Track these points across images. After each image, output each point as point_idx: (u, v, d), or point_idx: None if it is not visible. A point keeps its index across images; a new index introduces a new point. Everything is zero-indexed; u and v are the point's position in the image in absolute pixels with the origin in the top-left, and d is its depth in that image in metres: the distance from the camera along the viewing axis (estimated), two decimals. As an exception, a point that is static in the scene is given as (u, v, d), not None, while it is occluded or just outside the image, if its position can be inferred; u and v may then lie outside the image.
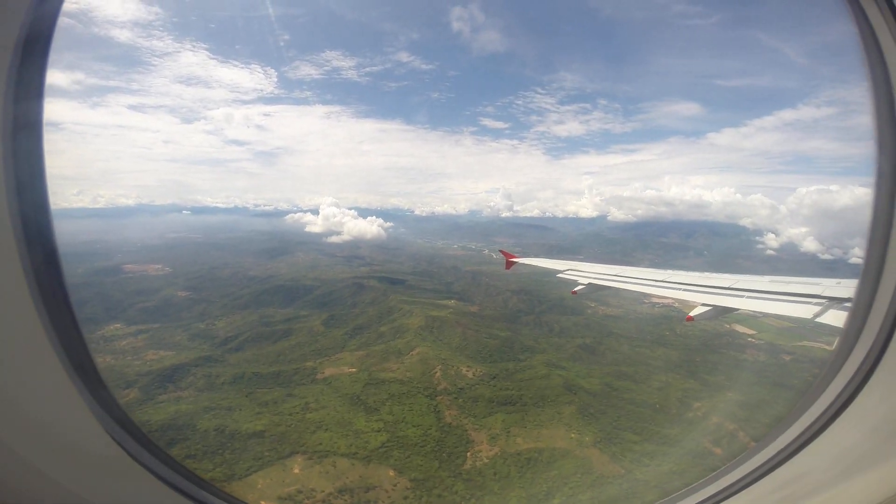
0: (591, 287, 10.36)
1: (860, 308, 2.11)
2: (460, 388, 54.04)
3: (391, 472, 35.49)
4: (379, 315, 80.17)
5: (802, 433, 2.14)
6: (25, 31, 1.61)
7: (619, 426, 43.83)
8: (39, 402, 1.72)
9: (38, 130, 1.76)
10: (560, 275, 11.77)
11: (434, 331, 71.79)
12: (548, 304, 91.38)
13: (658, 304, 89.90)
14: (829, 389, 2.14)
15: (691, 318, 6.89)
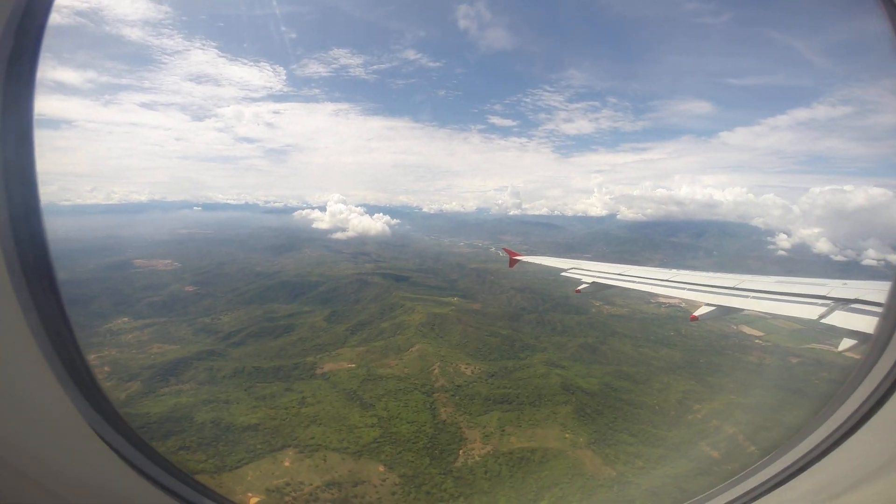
0: (595, 286, 10.26)
1: (892, 312, 2.10)
2: (458, 386, 53.91)
3: (381, 468, 35.61)
4: (381, 311, 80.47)
5: (827, 437, 2.08)
6: (14, 25, 1.58)
7: (616, 427, 43.14)
8: (28, 404, 1.68)
9: (28, 128, 1.71)
10: (563, 273, 11.70)
11: (435, 328, 71.70)
12: (552, 302, 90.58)
13: (665, 304, 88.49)
14: (857, 393, 2.08)
15: (695, 318, 6.86)
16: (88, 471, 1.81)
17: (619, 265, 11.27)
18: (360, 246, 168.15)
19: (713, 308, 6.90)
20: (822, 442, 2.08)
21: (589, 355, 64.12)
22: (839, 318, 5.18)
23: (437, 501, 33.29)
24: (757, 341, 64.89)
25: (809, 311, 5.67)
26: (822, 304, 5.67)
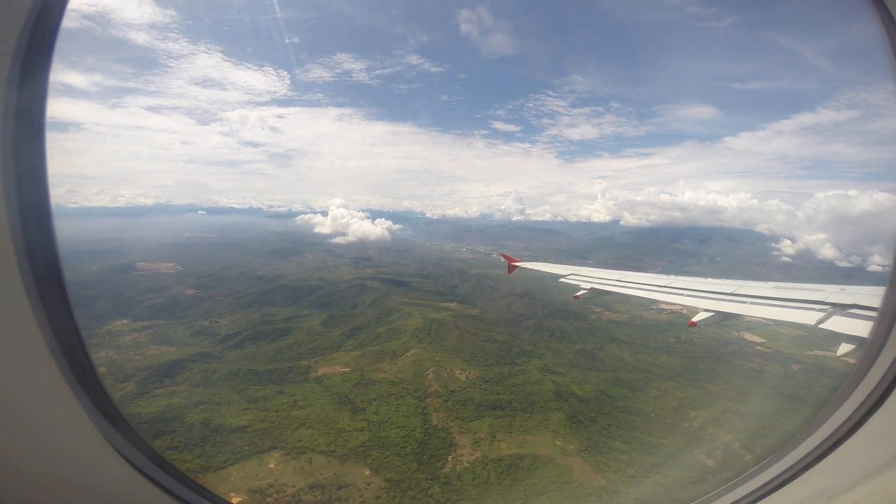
0: (594, 292, 10.31)
1: (886, 316, 2.12)
2: (451, 391, 53.44)
3: (367, 472, 35.24)
4: (378, 316, 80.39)
5: (824, 441, 2.10)
6: (29, 29, 1.60)
7: (609, 435, 42.35)
8: (36, 407, 1.69)
9: (40, 131, 1.74)
10: (562, 279, 11.78)
11: (431, 333, 71.41)
12: (551, 308, 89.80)
13: (666, 310, 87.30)
14: (853, 397, 2.11)
15: (694, 324, 6.93)
16: (96, 474, 1.82)
17: (617, 271, 11.32)
18: (362, 251, 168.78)
19: (711, 314, 6.94)
20: (819, 446, 2.10)
21: (586, 361, 63.32)
22: (837, 324, 5.25)
23: (422, 507, 32.84)
24: (758, 348, 63.64)
25: (807, 317, 5.73)
26: (821, 310, 5.72)
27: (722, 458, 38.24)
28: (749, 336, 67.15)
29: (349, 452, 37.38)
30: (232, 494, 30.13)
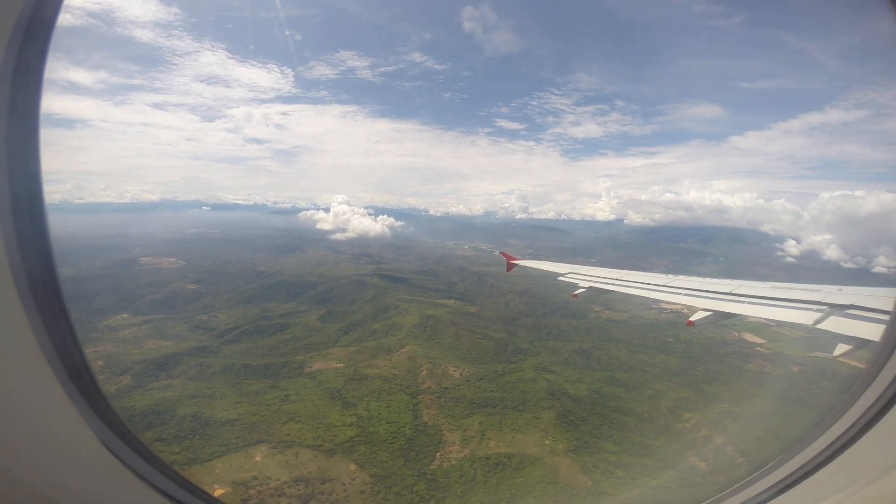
0: (592, 290, 10.32)
1: None
2: (444, 388, 53.30)
3: (352, 466, 35.20)
4: (375, 312, 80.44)
5: (831, 444, 2.09)
6: (24, 25, 1.56)
7: (599, 435, 41.85)
8: (30, 410, 1.65)
9: (34, 127, 1.68)
10: (560, 278, 11.82)
11: (427, 329, 71.29)
12: (551, 306, 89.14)
13: (667, 309, 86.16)
14: (862, 400, 2.08)
15: (691, 323, 6.94)
16: (92, 478, 1.78)
17: (616, 270, 11.30)
18: (364, 247, 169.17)
19: (709, 313, 6.91)
20: (827, 448, 2.08)
21: (582, 360, 62.73)
22: (834, 324, 5.26)
23: (406, 503, 32.69)
24: (758, 349, 62.54)
25: (804, 317, 5.73)
26: (818, 310, 5.71)
27: (714, 461, 37.60)
28: (750, 337, 66.02)
29: (336, 447, 37.39)
30: (216, 486, 30.26)
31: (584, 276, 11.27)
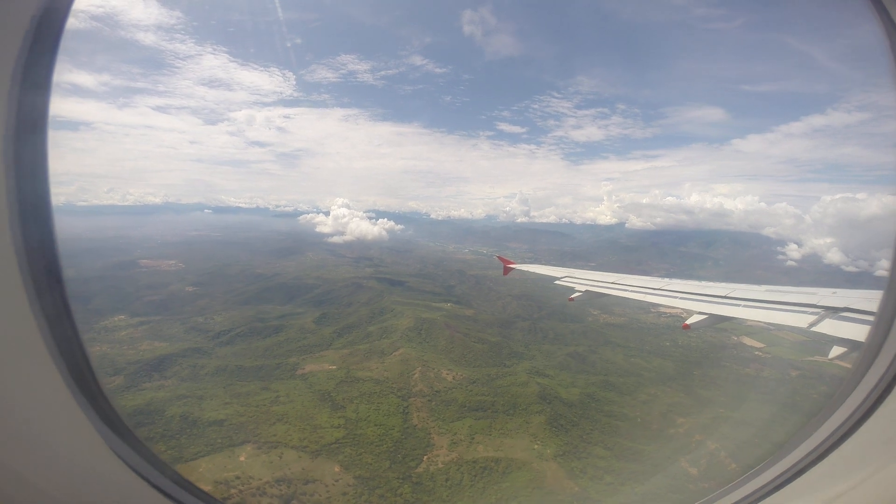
0: (589, 294, 10.32)
1: (884, 319, 2.13)
2: (436, 391, 52.91)
3: (337, 468, 34.90)
4: (370, 315, 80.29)
5: (822, 444, 2.10)
6: (33, 29, 1.58)
7: (590, 440, 41.24)
8: (33, 410, 1.66)
9: (43, 130, 1.71)
10: (557, 282, 11.87)
11: (422, 333, 70.97)
12: (548, 310, 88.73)
13: (665, 313, 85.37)
14: (850, 399, 2.10)
15: (687, 326, 6.98)
16: (95, 479, 1.79)
17: (613, 274, 11.27)
18: (364, 250, 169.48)
19: (705, 316, 6.93)
20: (817, 448, 2.10)
21: (577, 364, 62.12)
22: (829, 327, 5.27)
23: (389, 507, 32.31)
24: (756, 353, 61.60)
25: (799, 320, 5.75)
26: (812, 313, 5.72)
27: (706, 467, 36.90)
28: (748, 341, 65.13)
29: (322, 448, 37.12)
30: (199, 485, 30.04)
31: (580, 279, 11.24)
